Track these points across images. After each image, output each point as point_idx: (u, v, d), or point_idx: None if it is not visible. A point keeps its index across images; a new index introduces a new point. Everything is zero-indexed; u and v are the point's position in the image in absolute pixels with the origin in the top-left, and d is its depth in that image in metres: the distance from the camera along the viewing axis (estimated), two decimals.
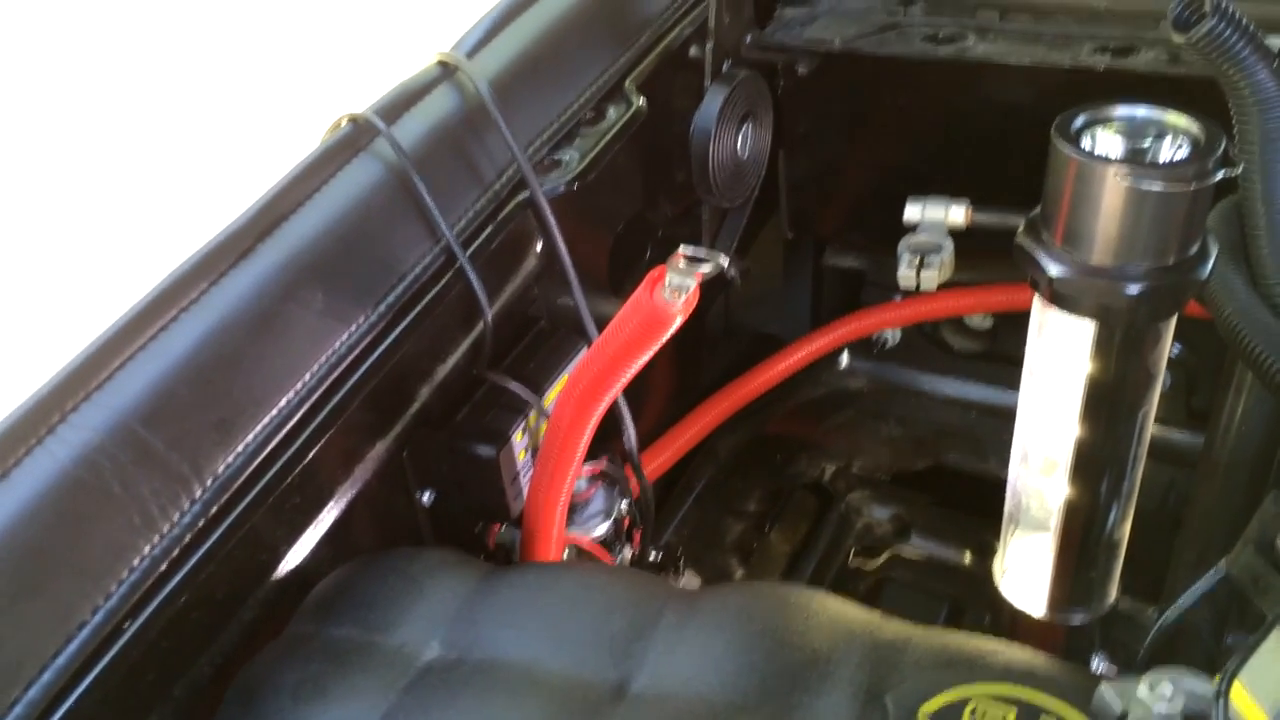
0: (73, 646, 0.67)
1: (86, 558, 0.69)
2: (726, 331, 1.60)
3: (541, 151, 1.07)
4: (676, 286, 0.78)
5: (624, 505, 1.15)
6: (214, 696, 0.78)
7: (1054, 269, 0.79)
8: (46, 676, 0.65)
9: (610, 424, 0.98)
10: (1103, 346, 0.83)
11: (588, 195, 1.08)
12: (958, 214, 1.26)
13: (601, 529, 1.13)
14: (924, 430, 1.64)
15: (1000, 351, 1.63)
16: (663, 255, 1.33)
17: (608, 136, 1.10)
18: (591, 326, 1.06)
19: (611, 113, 1.13)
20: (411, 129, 0.98)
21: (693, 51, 1.28)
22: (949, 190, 1.27)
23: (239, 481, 0.78)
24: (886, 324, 1.61)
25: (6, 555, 0.66)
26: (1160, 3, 1.22)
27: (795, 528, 1.52)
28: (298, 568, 0.86)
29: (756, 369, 1.58)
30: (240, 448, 0.78)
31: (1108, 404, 0.86)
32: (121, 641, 0.69)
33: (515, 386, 1.02)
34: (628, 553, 1.18)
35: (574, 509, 1.11)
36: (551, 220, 1.03)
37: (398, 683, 0.74)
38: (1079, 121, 0.80)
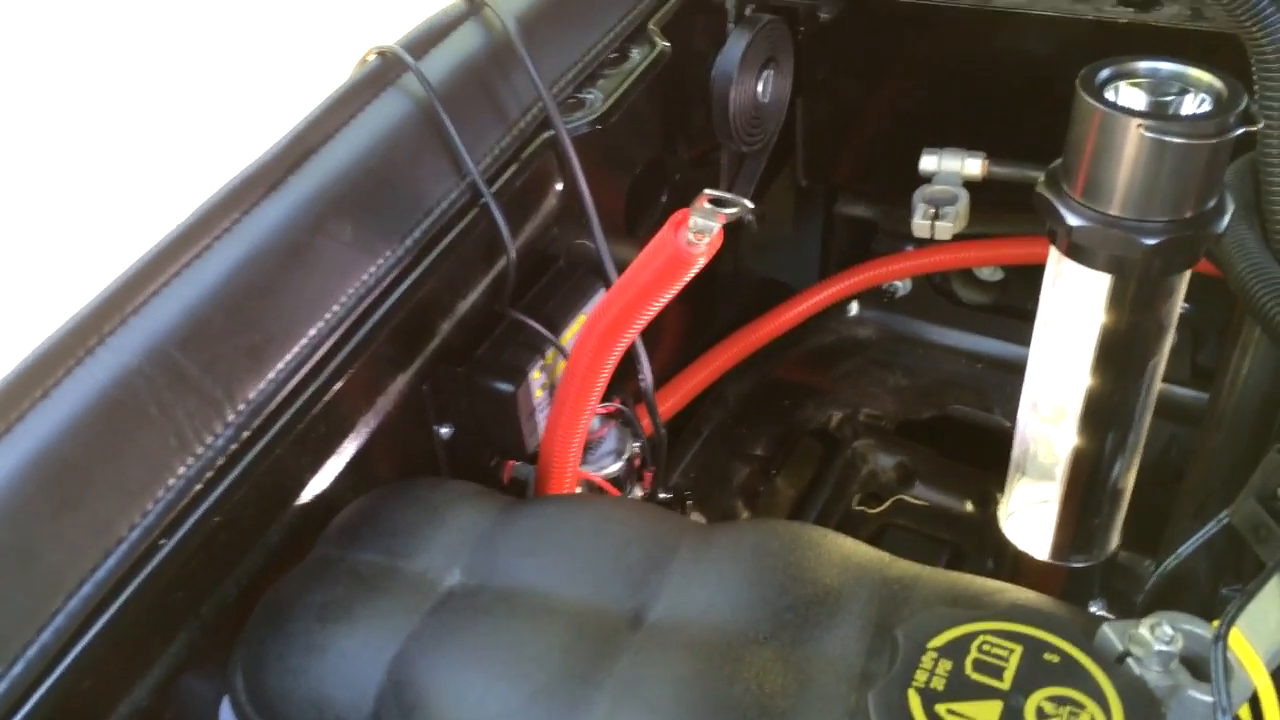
0: (111, 561, 0.69)
1: (125, 476, 0.71)
2: (734, 277, 1.61)
3: (565, 90, 1.08)
4: (700, 228, 0.79)
5: (635, 445, 1.17)
6: (238, 617, 0.80)
7: (1073, 219, 0.80)
8: (86, 589, 0.67)
9: (623, 365, 1.00)
10: (1117, 298, 0.84)
11: (608, 137, 1.09)
12: (974, 165, 1.27)
13: (614, 467, 1.15)
14: (930, 380, 1.65)
15: (1009, 305, 1.64)
16: (679, 200, 1.35)
17: (631, 77, 1.10)
18: (611, 267, 1.08)
19: (635, 54, 1.14)
20: (438, 64, 0.99)
21: None
22: (966, 141, 1.28)
23: (270, 408, 0.79)
24: (898, 274, 1.62)
25: (48, 470, 0.68)
26: None
27: (801, 473, 1.54)
28: (320, 495, 0.88)
29: (767, 315, 1.59)
30: (271, 375, 0.80)
31: (1119, 355, 0.88)
32: (157, 559, 0.71)
33: (534, 324, 1.03)
34: (638, 492, 1.20)
35: (587, 447, 1.12)
36: (575, 160, 1.03)
37: (421, 607, 0.76)
38: (1104, 74, 0.81)
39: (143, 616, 0.72)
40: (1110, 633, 0.65)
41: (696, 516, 1.34)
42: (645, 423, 1.18)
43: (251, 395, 0.78)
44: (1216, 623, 0.65)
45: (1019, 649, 0.64)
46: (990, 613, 0.66)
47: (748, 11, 1.29)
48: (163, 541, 0.72)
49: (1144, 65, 0.81)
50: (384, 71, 0.97)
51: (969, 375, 1.65)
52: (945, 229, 1.23)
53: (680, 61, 1.19)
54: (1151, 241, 0.78)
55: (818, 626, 0.71)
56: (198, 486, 0.74)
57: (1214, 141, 0.76)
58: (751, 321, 1.59)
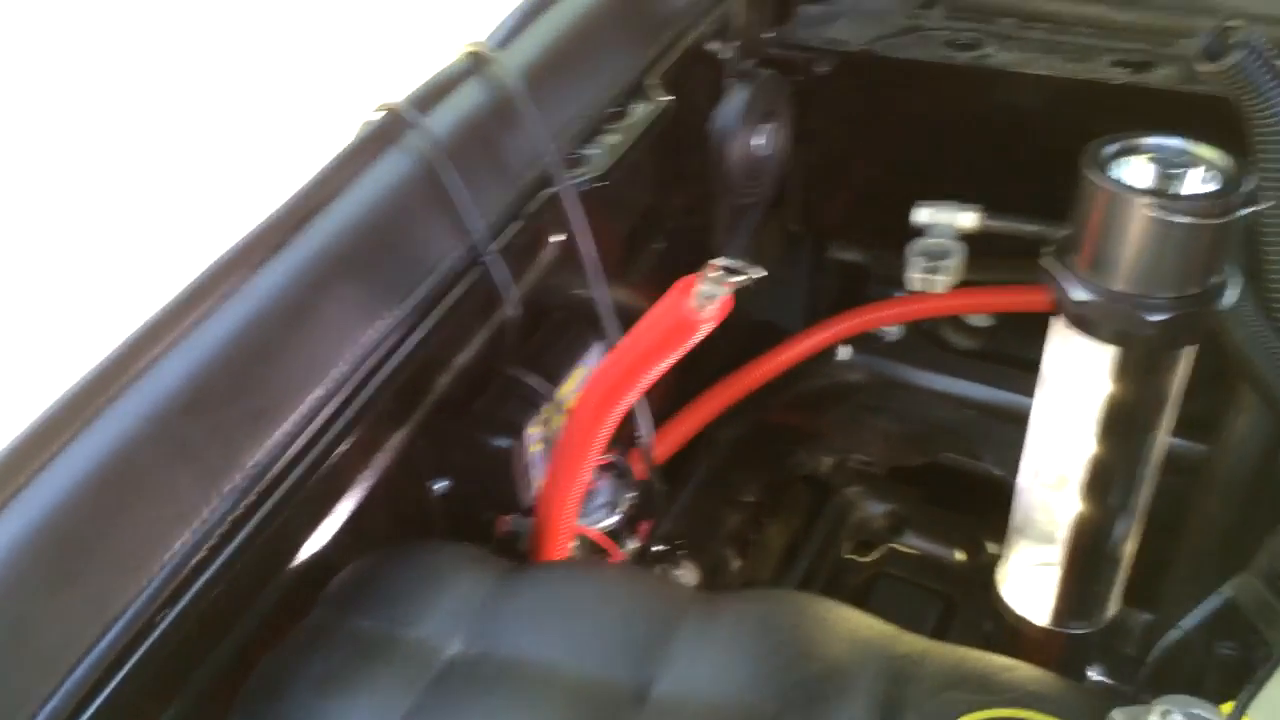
0: (110, 637, 0.67)
1: (125, 549, 0.70)
2: (724, 321, 1.60)
3: (569, 146, 1.07)
4: (708, 295, 0.79)
5: (630, 497, 1.16)
6: (233, 684, 0.78)
7: (1078, 293, 0.81)
8: (82, 668, 0.66)
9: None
10: (1121, 370, 0.85)
11: (609, 191, 1.09)
12: (968, 219, 1.27)
13: (609, 520, 1.14)
14: (921, 426, 1.65)
15: (999, 351, 1.64)
16: (674, 246, 1.35)
17: (634, 134, 1.10)
18: (611, 325, 1.07)
19: (638, 109, 1.13)
20: (444, 120, 0.98)
21: (714, 48, 1.28)
22: (959, 194, 1.28)
23: (272, 473, 0.78)
24: (889, 320, 1.62)
25: (47, 544, 0.67)
26: (1178, 20, 1.24)
27: (791, 520, 1.54)
28: (317, 555, 0.87)
29: (759, 360, 1.59)
30: (273, 440, 0.79)
31: (1122, 425, 0.88)
32: (155, 633, 0.70)
33: (532, 379, 1.03)
34: (633, 544, 1.19)
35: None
36: (578, 217, 1.03)
37: (421, 678, 0.75)
38: (1109, 150, 0.81)
39: (138, 690, 0.71)
40: None
41: (688, 568, 1.33)
42: (637, 468, 1.17)
43: (253, 461, 0.77)
44: (1227, 707, 0.65)
45: None
46: (1002, 698, 0.66)
47: (746, 65, 1.29)
48: (161, 615, 0.71)
49: (1149, 141, 0.82)
50: (389, 128, 0.96)
51: (959, 421, 1.65)
52: (941, 283, 1.24)
53: (680, 114, 1.19)
54: (1157, 318, 0.79)
55: (826, 704, 0.71)
56: (198, 557, 0.73)
57: (1220, 221, 0.76)
58: (742, 365, 1.59)
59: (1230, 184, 0.78)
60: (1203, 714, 0.65)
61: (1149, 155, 0.82)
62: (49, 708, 0.64)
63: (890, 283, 1.66)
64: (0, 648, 0.64)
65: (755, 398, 1.61)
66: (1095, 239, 0.80)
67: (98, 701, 0.67)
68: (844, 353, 1.75)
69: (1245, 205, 0.77)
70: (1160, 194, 0.79)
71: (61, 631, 0.66)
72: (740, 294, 1.61)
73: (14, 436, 0.70)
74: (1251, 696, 0.64)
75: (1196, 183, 0.81)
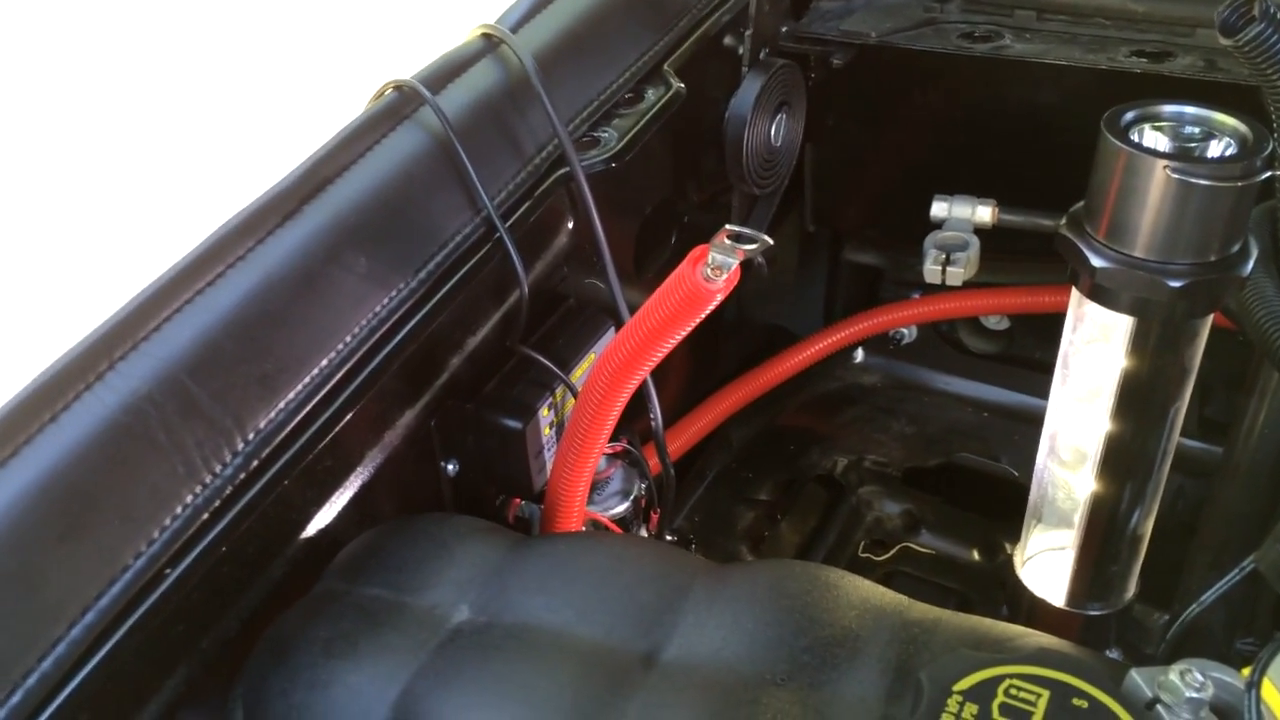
0: (115, 589, 0.67)
1: (131, 503, 0.69)
2: (738, 324, 1.60)
3: (581, 129, 1.08)
4: (719, 264, 0.78)
5: (642, 486, 1.15)
6: (239, 651, 0.78)
7: (1097, 261, 0.80)
8: (89, 617, 0.66)
9: (630, 405, 0.99)
10: (1139, 341, 0.84)
11: (621, 176, 1.09)
12: (984, 213, 1.27)
13: (620, 508, 1.13)
14: (936, 428, 1.64)
15: (1015, 354, 1.64)
16: (688, 242, 1.34)
17: (647, 117, 1.10)
18: (623, 306, 1.07)
19: (650, 94, 1.13)
20: (455, 99, 0.98)
21: (728, 40, 1.29)
22: (975, 190, 1.28)
23: (279, 438, 0.78)
24: (904, 321, 1.61)
25: (54, 496, 0.67)
26: (1197, 9, 1.24)
27: (805, 518, 1.52)
28: (324, 529, 0.86)
29: (773, 360, 1.59)
30: (281, 404, 0.78)
31: (1141, 399, 0.87)
32: (161, 588, 0.70)
33: (545, 361, 1.02)
34: (643, 534, 1.18)
35: (593, 487, 1.11)
36: (589, 198, 1.03)
37: (429, 643, 0.74)
38: (1128, 117, 0.81)
39: (143, 649, 0.70)
40: (1139, 679, 0.64)
41: None
42: (651, 463, 1.16)
43: (261, 424, 0.77)
44: (1247, 670, 0.64)
45: (1047, 694, 0.63)
46: (1017, 656, 0.65)
47: (761, 55, 1.29)
48: (168, 571, 0.70)
49: (1168, 109, 0.81)
50: (401, 104, 0.97)
51: (975, 423, 1.64)
52: (956, 275, 1.23)
53: (693, 104, 1.19)
54: (1176, 284, 0.78)
55: (836, 669, 0.70)
56: (205, 516, 0.73)
57: (1240, 184, 0.75)
58: (757, 365, 1.58)
59: (1250, 149, 0.77)
60: (1222, 676, 0.64)
61: (1167, 122, 0.81)
62: (56, 653, 0.64)
63: (906, 285, 1.66)
64: (8, 595, 0.64)
65: (769, 399, 1.61)
66: (1114, 204, 0.79)
67: (102, 653, 0.66)
68: (860, 355, 1.74)
69: (1266, 169, 0.76)
70: (1181, 157, 0.78)
71: (68, 581, 0.66)
72: (756, 296, 1.62)
73: (23, 389, 0.70)
74: (1273, 655, 0.62)
75: (1216, 150, 0.80)
